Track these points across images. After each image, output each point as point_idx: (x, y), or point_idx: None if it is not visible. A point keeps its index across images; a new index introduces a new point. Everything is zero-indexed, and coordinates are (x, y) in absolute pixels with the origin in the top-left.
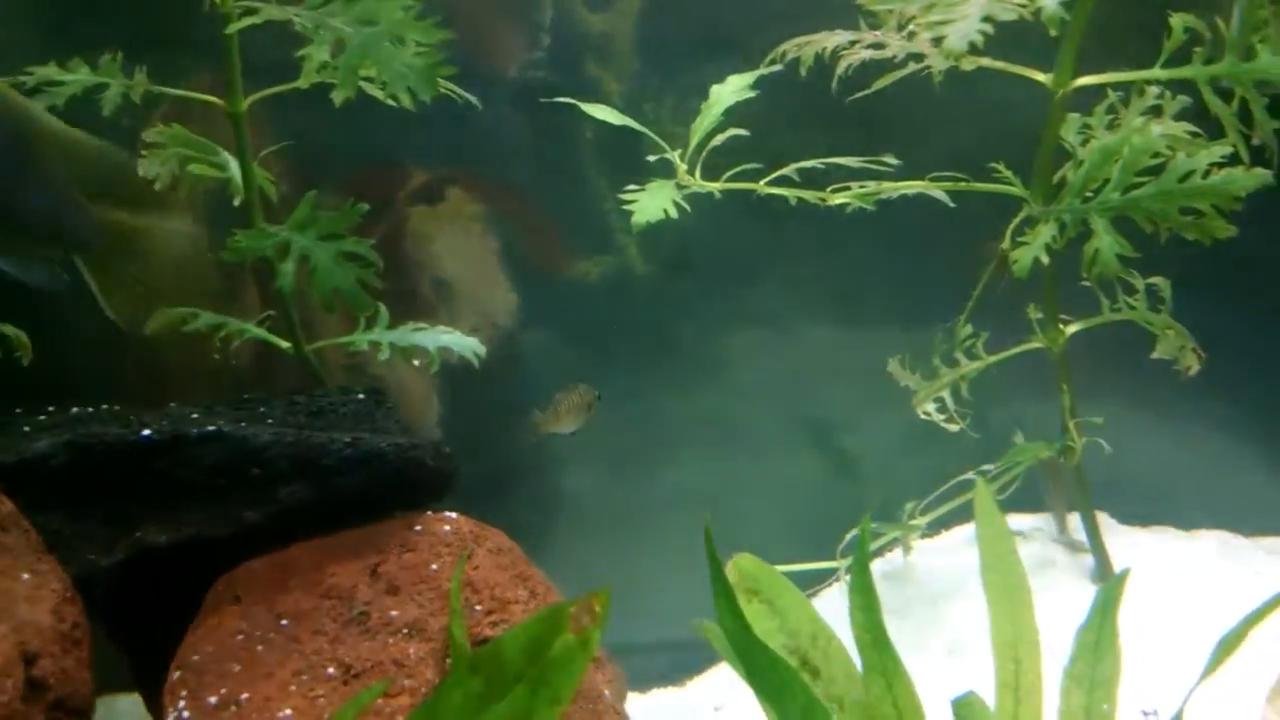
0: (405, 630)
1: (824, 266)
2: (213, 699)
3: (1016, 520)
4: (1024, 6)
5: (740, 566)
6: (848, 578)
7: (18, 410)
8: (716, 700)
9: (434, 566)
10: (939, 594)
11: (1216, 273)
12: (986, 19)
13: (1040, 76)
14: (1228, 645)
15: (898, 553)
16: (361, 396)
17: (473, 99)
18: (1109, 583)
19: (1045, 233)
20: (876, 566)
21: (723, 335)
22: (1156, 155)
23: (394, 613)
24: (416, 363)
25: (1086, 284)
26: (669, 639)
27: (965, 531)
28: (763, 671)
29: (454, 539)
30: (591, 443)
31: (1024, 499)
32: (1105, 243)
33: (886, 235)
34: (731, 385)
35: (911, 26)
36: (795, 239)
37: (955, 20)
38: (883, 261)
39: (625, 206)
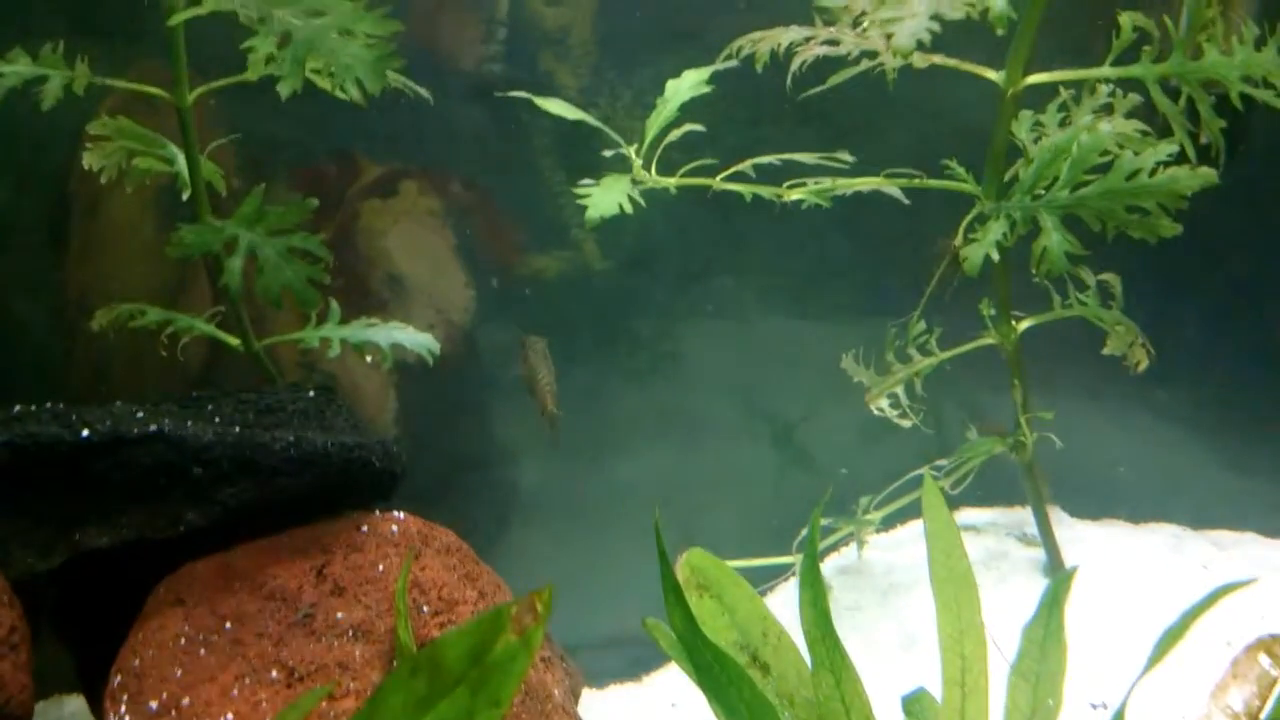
0: (351, 632)
1: (780, 261)
2: (153, 704)
3: (972, 514)
4: (972, 6)
5: (691, 562)
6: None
7: None
8: (673, 697)
9: (381, 567)
10: (893, 588)
11: (1166, 266)
12: (935, 17)
13: (991, 74)
14: (1170, 639)
15: (853, 548)
16: (312, 394)
17: (424, 92)
18: (1056, 579)
19: (995, 230)
20: (831, 562)
21: (679, 330)
22: (1105, 154)
23: (340, 614)
24: (370, 359)
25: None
26: (626, 634)
27: (917, 526)
28: (709, 669)
29: (401, 539)
30: (541, 438)
31: (979, 493)
32: (1054, 240)
33: (843, 231)
34: (688, 379)
35: (864, 23)
36: (752, 234)
37: (904, 18)
38: (839, 256)
39: (580, 201)
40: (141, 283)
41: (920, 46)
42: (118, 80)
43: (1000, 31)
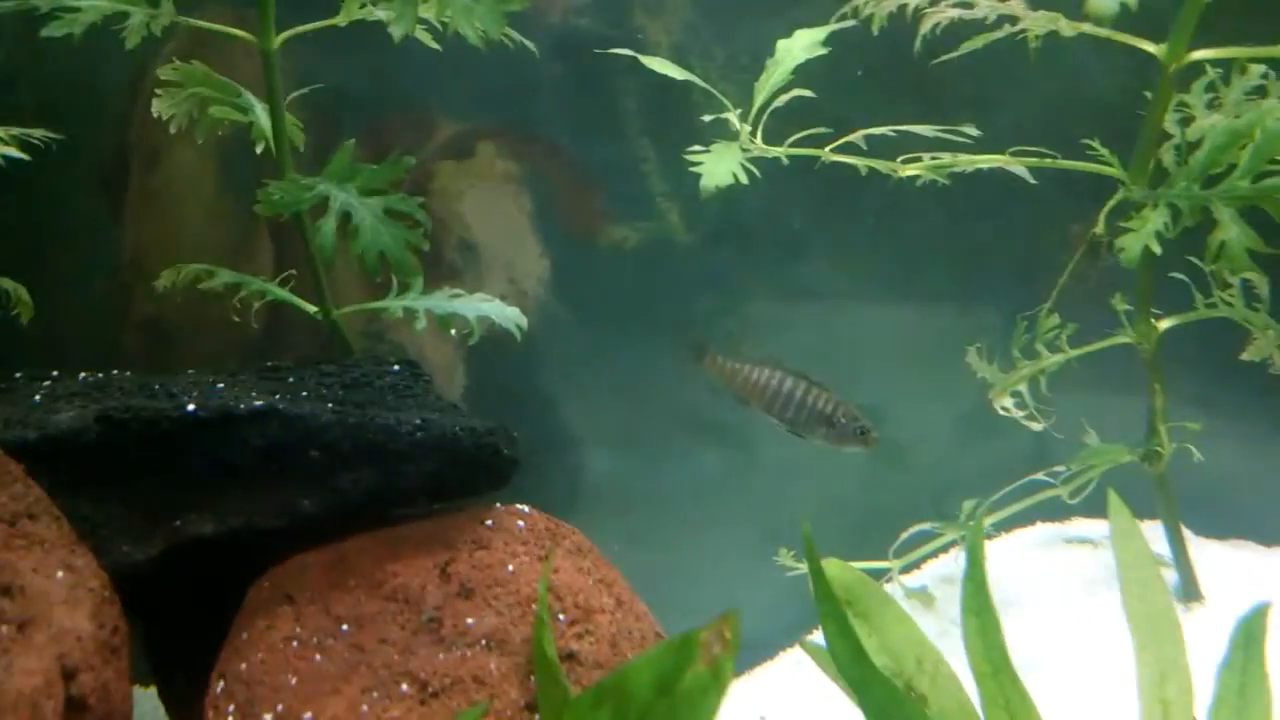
0: (484, 641)
1: (879, 242)
2: (267, 715)
3: (1086, 526)
4: None
5: (832, 575)
6: (902, 581)
7: (18, 375)
8: (762, 708)
9: (510, 567)
10: (1005, 603)
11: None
12: None
13: (1150, 47)
14: None
15: (954, 555)
16: (396, 368)
17: (530, 44)
18: (1248, 615)
19: (1156, 219)
20: (929, 571)
21: (765, 310)
22: None
23: (470, 620)
24: (454, 333)
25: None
26: None
27: (1029, 535)
28: (882, 707)
29: (530, 536)
30: (616, 422)
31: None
32: (1233, 234)
33: (945, 211)
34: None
35: None
36: (849, 211)
37: None
38: (940, 238)
39: (692, 169)
40: (201, 242)
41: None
42: (200, 20)
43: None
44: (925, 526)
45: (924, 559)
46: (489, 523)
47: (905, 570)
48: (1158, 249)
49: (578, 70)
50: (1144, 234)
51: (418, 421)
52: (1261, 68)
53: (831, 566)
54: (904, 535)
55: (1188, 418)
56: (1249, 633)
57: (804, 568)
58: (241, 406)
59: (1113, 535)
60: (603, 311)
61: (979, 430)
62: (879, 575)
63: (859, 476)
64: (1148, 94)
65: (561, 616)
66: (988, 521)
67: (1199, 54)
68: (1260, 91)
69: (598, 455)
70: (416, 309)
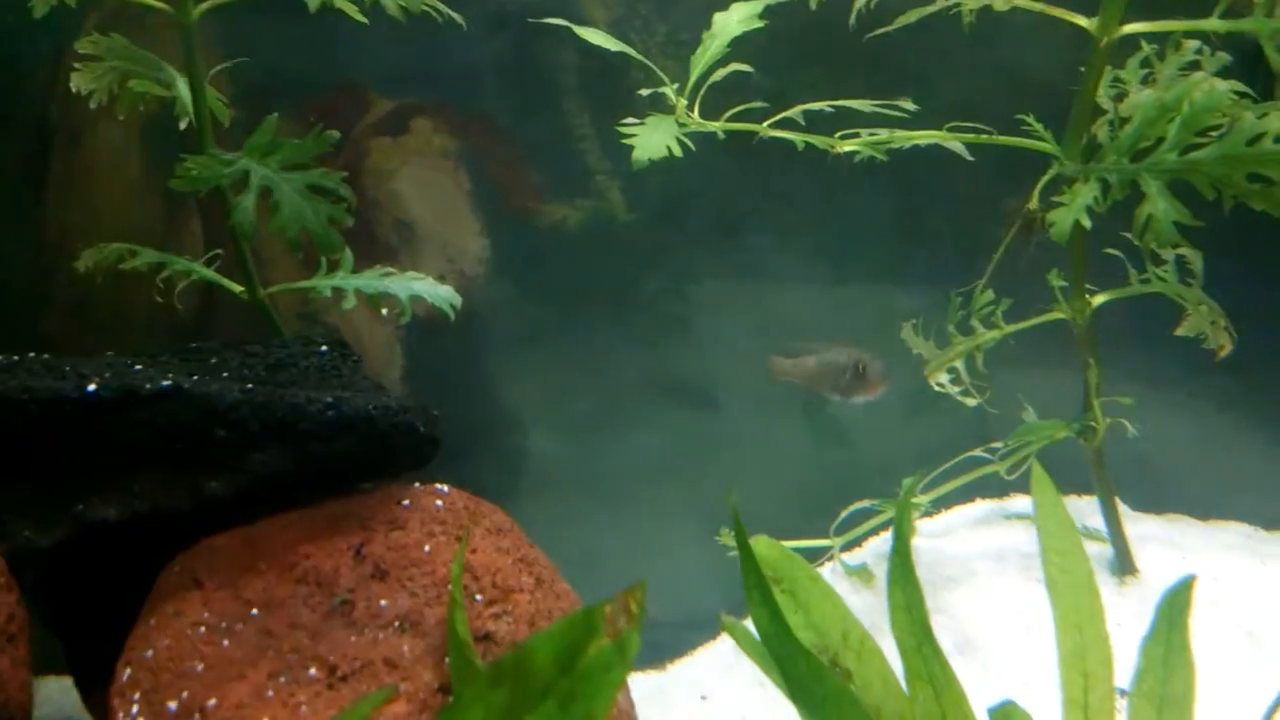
0: (397, 623)
1: (820, 220)
2: (172, 704)
3: (1023, 502)
4: None
5: (760, 552)
6: (842, 558)
7: None
8: (703, 688)
9: (427, 548)
10: (944, 581)
11: (1234, 241)
12: None
13: (1082, 21)
14: None
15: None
16: (325, 349)
17: (456, 16)
18: (1174, 588)
19: (1087, 193)
20: (870, 548)
21: (707, 290)
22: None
23: (383, 602)
24: (385, 312)
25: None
26: (648, 617)
27: (969, 512)
28: (804, 682)
29: (448, 516)
30: (558, 402)
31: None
32: (1160, 208)
33: (885, 187)
34: (715, 345)
35: None
36: (790, 189)
37: None
38: (879, 215)
39: (624, 141)
40: (127, 222)
41: None
42: None
43: None
44: (865, 504)
45: (864, 537)
46: (406, 503)
47: (847, 548)
48: (1088, 223)
49: (516, 45)
50: (1074, 209)
51: (328, 400)
52: (1196, 43)
53: (760, 544)
54: (844, 513)
55: (1128, 393)
56: (1174, 605)
57: None
58: (147, 386)
59: (1035, 508)
60: (543, 291)
61: (925, 408)
62: (821, 553)
63: (805, 455)
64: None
65: (478, 597)
66: (928, 499)
67: (1130, 28)
68: (1195, 66)
69: (540, 436)
70: (346, 288)
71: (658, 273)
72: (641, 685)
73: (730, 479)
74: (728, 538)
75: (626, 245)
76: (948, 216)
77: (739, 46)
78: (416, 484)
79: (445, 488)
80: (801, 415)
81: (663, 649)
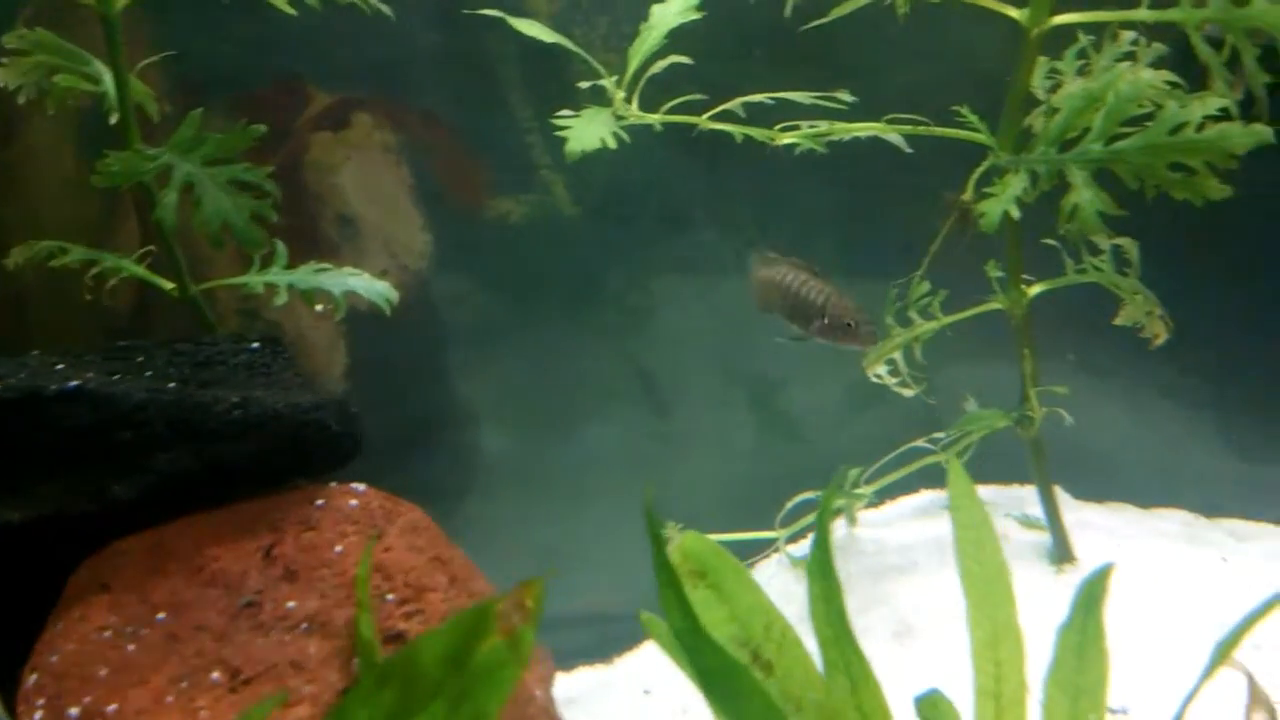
0: (305, 625)
1: (765, 213)
2: (73, 710)
3: None
4: None
5: (686, 547)
6: (788, 550)
7: None
8: (646, 682)
9: (338, 548)
10: (886, 571)
11: (1177, 232)
12: None
13: (1013, 12)
14: (1225, 649)
15: (839, 524)
16: (255, 346)
17: (384, 8)
18: (1091, 578)
19: (1016, 184)
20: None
21: (654, 284)
22: (1143, 105)
23: (291, 603)
24: (320, 308)
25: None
26: (595, 612)
27: (912, 502)
28: (714, 674)
29: (361, 515)
30: (510, 398)
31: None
32: (1085, 198)
33: (832, 179)
34: (664, 338)
35: None
36: (734, 182)
37: None
38: (828, 207)
39: (558, 134)
40: (62, 219)
41: None
42: None
43: None
44: (810, 495)
45: (809, 528)
46: (320, 503)
47: (795, 539)
48: (1016, 214)
49: (458, 38)
50: (1004, 199)
51: (235, 400)
52: (1133, 34)
53: (688, 539)
54: (788, 504)
55: (1072, 384)
56: (1090, 594)
57: None
58: (51, 387)
59: (950, 499)
60: (489, 285)
61: (871, 399)
62: (766, 545)
63: (754, 448)
64: None
65: (390, 596)
66: (871, 489)
67: (1061, 18)
68: (1131, 57)
69: (485, 432)
70: (279, 284)
71: (605, 266)
72: (586, 679)
73: (680, 474)
74: (674, 532)
75: (572, 238)
76: (899, 209)
77: (684, 39)
78: (331, 484)
79: (362, 487)
80: (754, 409)
81: (612, 643)
